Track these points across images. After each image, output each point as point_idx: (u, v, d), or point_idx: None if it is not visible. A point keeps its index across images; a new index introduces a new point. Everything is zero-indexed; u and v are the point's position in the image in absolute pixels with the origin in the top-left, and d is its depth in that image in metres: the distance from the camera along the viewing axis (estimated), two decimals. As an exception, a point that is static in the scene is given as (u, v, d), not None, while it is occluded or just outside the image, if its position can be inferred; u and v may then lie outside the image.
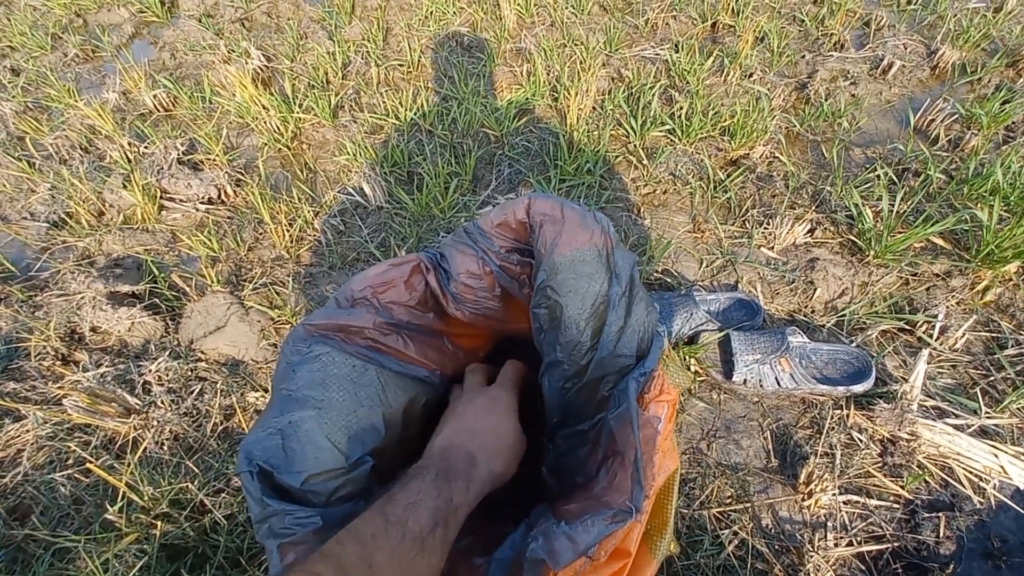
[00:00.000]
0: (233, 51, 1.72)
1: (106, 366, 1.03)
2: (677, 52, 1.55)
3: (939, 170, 1.19)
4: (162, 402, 0.97)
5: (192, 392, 0.98)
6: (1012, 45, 1.53)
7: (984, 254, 1.03)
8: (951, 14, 1.64)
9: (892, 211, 1.08)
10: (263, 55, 1.66)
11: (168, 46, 1.82)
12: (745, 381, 0.91)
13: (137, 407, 0.96)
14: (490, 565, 0.38)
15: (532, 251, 0.48)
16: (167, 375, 1.01)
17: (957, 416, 0.87)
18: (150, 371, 1.01)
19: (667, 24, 1.70)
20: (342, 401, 0.42)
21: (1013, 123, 1.31)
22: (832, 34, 1.60)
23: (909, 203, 1.13)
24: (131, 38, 1.94)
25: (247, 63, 1.60)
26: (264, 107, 1.44)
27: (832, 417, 0.89)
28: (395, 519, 0.36)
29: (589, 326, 0.41)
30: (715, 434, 0.90)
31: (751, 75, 1.48)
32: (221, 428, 0.94)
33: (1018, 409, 0.88)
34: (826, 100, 1.40)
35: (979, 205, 1.10)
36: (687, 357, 0.95)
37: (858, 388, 0.89)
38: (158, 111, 1.57)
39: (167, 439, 0.93)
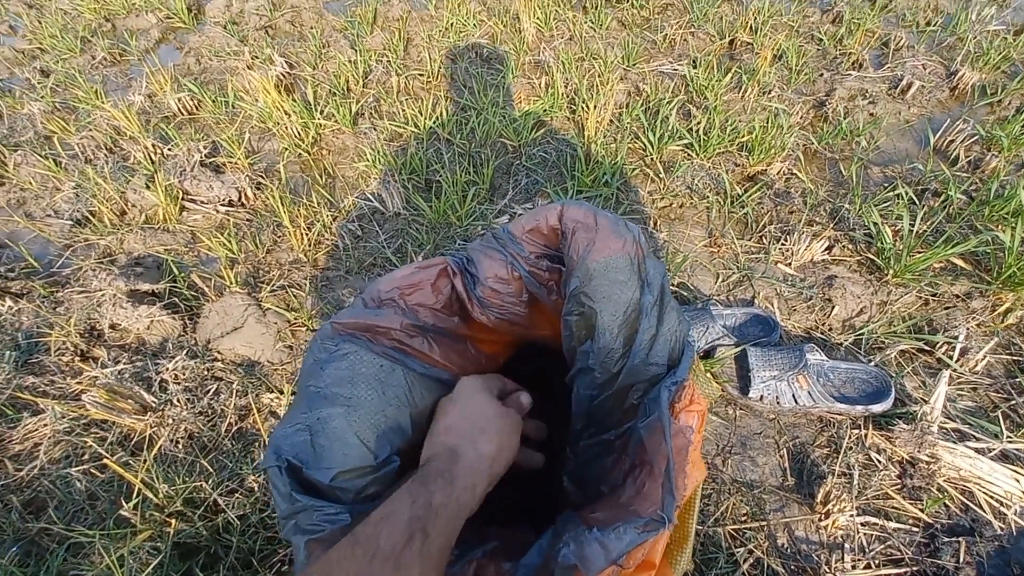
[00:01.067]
0: (257, 57, 1.75)
1: (124, 363, 1.04)
2: (695, 68, 1.56)
3: (959, 191, 1.18)
4: (178, 400, 0.97)
5: (208, 391, 0.99)
6: (1033, 68, 1.52)
7: (1006, 276, 1.02)
8: (971, 36, 1.64)
9: (912, 231, 1.07)
10: (286, 62, 1.69)
11: (193, 51, 1.86)
12: (762, 397, 0.90)
13: (153, 405, 0.97)
14: (517, 570, 0.37)
15: (561, 258, 0.48)
16: (184, 374, 1.01)
17: (978, 439, 0.86)
18: (167, 369, 1.01)
19: (685, 40, 1.71)
20: (370, 400, 0.43)
21: (1034, 146, 1.30)
22: (850, 53, 1.61)
23: (929, 223, 1.13)
24: (158, 43, 1.99)
25: (270, 69, 1.63)
26: (286, 112, 1.46)
27: (850, 436, 0.88)
28: (364, 538, 0.34)
29: (622, 333, 0.41)
30: (731, 450, 0.89)
31: (769, 92, 1.48)
32: (236, 428, 0.95)
33: (1041, 434, 0.87)
34: (844, 118, 1.40)
35: (1000, 227, 1.09)
36: (704, 371, 0.94)
37: (877, 408, 0.88)
38: (182, 114, 1.60)
39: (182, 437, 0.93)
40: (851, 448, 0.87)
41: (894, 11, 1.80)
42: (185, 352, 1.04)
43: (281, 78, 1.64)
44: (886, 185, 1.25)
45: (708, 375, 0.45)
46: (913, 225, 1.08)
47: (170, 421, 0.95)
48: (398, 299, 0.51)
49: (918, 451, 0.83)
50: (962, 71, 1.50)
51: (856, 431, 0.89)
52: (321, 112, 1.51)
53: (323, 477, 0.39)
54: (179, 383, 1.01)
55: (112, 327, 1.11)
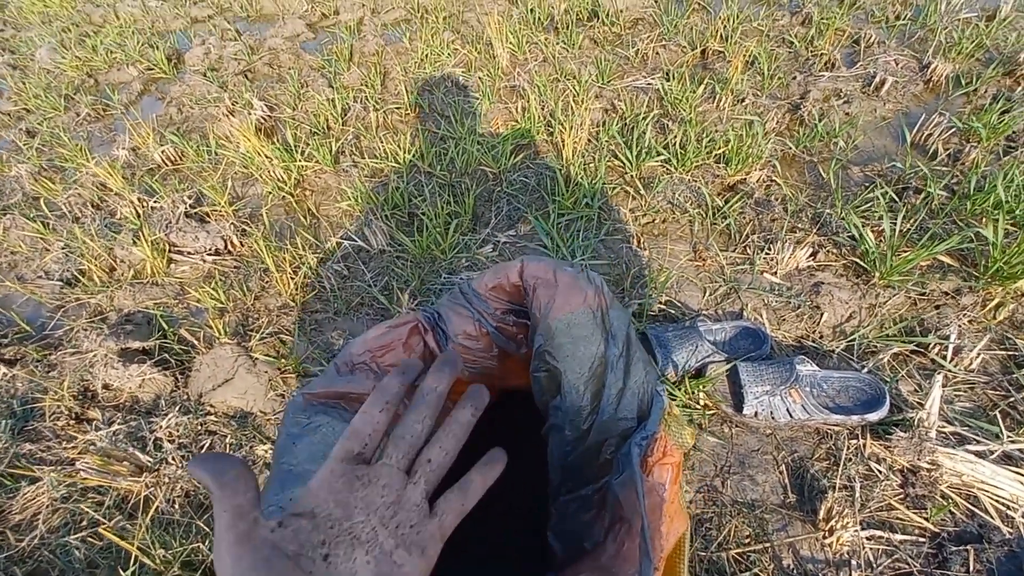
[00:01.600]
0: (237, 103, 1.77)
1: (118, 423, 1.04)
2: (668, 81, 1.57)
3: (940, 186, 1.18)
4: (173, 459, 0.97)
5: (202, 447, 0.99)
6: (1008, 53, 1.53)
7: (993, 271, 1.01)
8: (941, 26, 1.65)
9: (895, 231, 1.07)
10: (266, 105, 1.71)
11: (175, 101, 1.88)
12: (756, 414, 0.90)
13: (149, 464, 0.97)
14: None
15: (527, 312, 0.48)
16: (177, 431, 1.01)
17: (978, 441, 0.85)
18: (161, 427, 1.01)
19: (657, 54, 1.73)
20: (342, 476, 0.42)
21: (1014, 133, 1.30)
22: (822, 54, 1.62)
23: (912, 221, 1.13)
24: (140, 95, 2.01)
25: (250, 114, 1.65)
26: (267, 157, 1.48)
27: (848, 448, 0.87)
28: None
29: (588, 389, 0.41)
30: (729, 470, 0.88)
31: (743, 100, 1.49)
32: (231, 483, 0.94)
33: (1041, 431, 0.85)
34: (820, 120, 1.40)
35: (984, 221, 1.09)
36: (695, 391, 0.94)
37: (873, 416, 0.87)
38: (166, 165, 1.62)
39: (178, 497, 0.93)
40: (850, 459, 0.86)
41: (863, 8, 1.82)
42: (178, 408, 1.04)
43: (261, 121, 1.66)
44: (866, 185, 1.25)
45: (682, 421, 0.44)
46: (895, 225, 1.08)
47: (166, 480, 0.94)
48: (370, 362, 0.51)
49: (918, 459, 0.82)
50: (935, 63, 1.50)
51: (854, 441, 0.88)
52: (302, 153, 1.53)
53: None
54: (173, 441, 1.00)
55: (105, 387, 1.11)
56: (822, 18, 1.73)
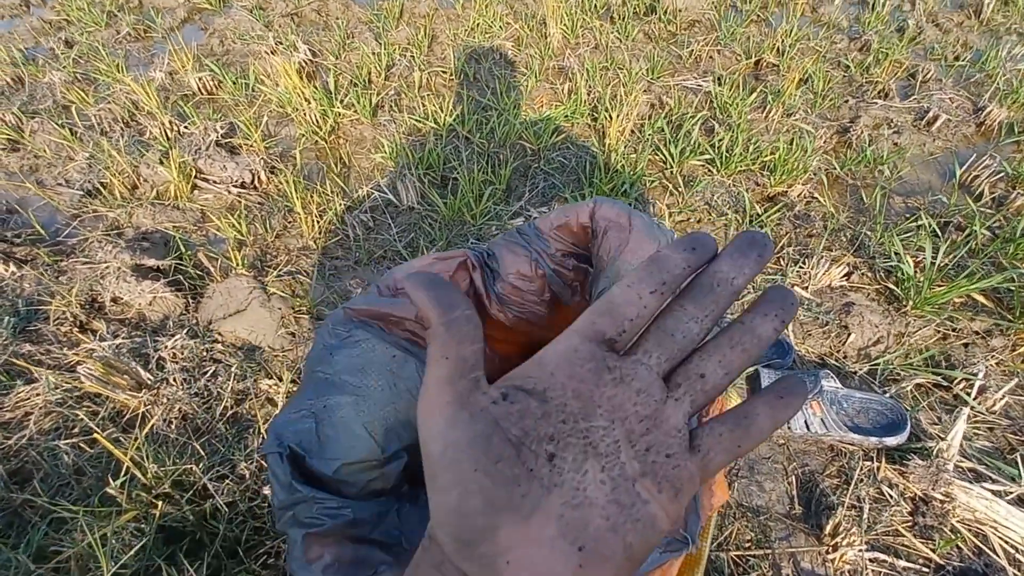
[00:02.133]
0: (281, 43, 1.74)
1: (123, 338, 1.02)
2: (720, 85, 1.54)
3: (984, 226, 1.16)
4: (174, 380, 0.95)
5: (205, 373, 0.97)
6: (1061, 110, 1.51)
7: (1028, 316, 0.99)
8: (1001, 73, 1.63)
9: (935, 263, 1.05)
10: (309, 50, 1.68)
11: (218, 33, 1.85)
12: (773, 421, 0.88)
13: (149, 382, 0.95)
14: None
15: (588, 258, 0.46)
16: (182, 353, 0.99)
17: (995, 480, 0.83)
18: (166, 347, 0.99)
19: (711, 57, 1.70)
20: (381, 391, 0.40)
21: (1060, 187, 1.28)
22: (877, 82, 1.59)
23: (951, 257, 1.11)
24: (183, 22, 1.98)
25: (293, 56, 1.62)
26: (306, 99, 1.45)
27: (861, 468, 0.85)
28: None
29: (649, 340, 0.39)
30: (736, 473, 0.86)
31: (793, 114, 1.47)
32: (231, 413, 0.92)
33: (1059, 481, 0.84)
34: (868, 146, 1.38)
35: (1025, 265, 1.07)
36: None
37: (891, 441, 0.85)
38: (201, 93, 1.59)
39: (176, 418, 0.91)
40: (862, 480, 0.84)
41: (923, 44, 1.79)
42: (185, 331, 1.02)
43: (303, 65, 1.63)
44: (908, 216, 1.23)
45: (734, 391, 0.42)
46: (936, 257, 1.06)
47: (165, 400, 0.93)
48: (414, 289, 0.49)
49: (932, 489, 0.81)
50: (990, 107, 1.48)
51: (868, 463, 0.86)
52: (341, 101, 1.50)
53: (326, 468, 0.36)
54: (177, 362, 0.99)
55: (114, 300, 1.09)
56: (881, 47, 1.71)
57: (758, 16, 1.90)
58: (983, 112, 1.49)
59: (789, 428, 0.88)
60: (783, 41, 1.71)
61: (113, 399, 0.92)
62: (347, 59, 1.70)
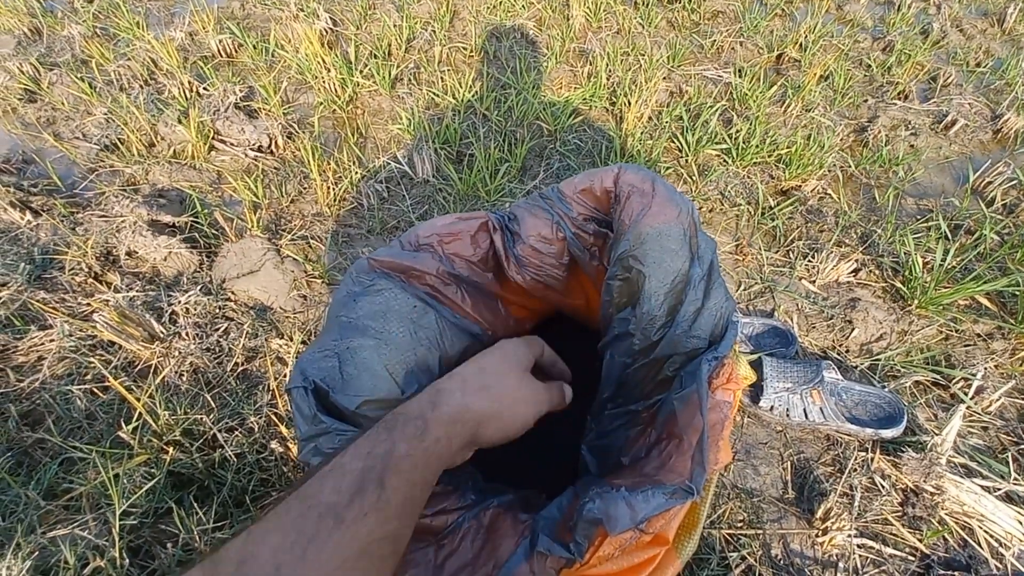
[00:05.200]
0: (303, 10, 1.74)
1: (137, 291, 1.03)
2: (740, 77, 1.54)
3: (993, 231, 1.17)
4: (187, 334, 0.97)
5: (218, 329, 0.98)
6: (1080, 122, 1.50)
7: (1031, 321, 1.00)
8: (1019, 82, 1.62)
9: (943, 264, 1.06)
10: (331, 18, 1.67)
11: (239, -4, 1.84)
12: (772, 408, 0.89)
13: (162, 335, 0.96)
14: (536, 522, 0.37)
15: (609, 223, 0.47)
16: (195, 309, 1.01)
17: (985, 477, 0.85)
18: (179, 302, 1.01)
19: (733, 49, 1.69)
20: (402, 337, 0.42)
21: (1073, 198, 1.29)
22: (897, 83, 1.59)
23: (959, 259, 1.11)
24: (204, -17, 1.97)
25: (315, 23, 1.62)
26: (326, 67, 1.45)
27: (856, 458, 0.87)
28: (307, 492, 0.30)
29: (667, 302, 0.40)
30: (733, 456, 0.88)
31: (812, 110, 1.47)
32: (241, 369, 0.94)
33: (1049, 481, 0.85)
34: (885, 146, 1.38)
35: (1032, 271, 1.08)
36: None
37: (887, 433, 0.87)
38: (221, 56, 1.59)
39: (187, 370, 0.93)
40: (856, 470, 0.86)
41: (946, 48, 1.78)
42: (199, 288, 1.04)
43: (324, 33, 1.63)
44: (919, 216, 1.24)
45: (743, 360, 0.43)
46: (945, 258, 1.07)
47: (177, 353, 0.94)
48: (436, 245, 0.50)
49: (924, 481, 0.82)
50: (1008, 115, 1.48)
51: (863, 454, 0.88)
52: (361, 71, 1.50)
53: (349, 403, 0.38)
54: (190, 317, 1.00)
55: (129, 254, 1.10)
56: (904, 48, 1.70)
57: (783, 10, 1.89)
58: (1000, 119, 1.48)
59: (788, 417, 0.89)
60: (806, 36, 1.69)
61: (126, 349, 0.94)
62: (368, 30, 1.69)
